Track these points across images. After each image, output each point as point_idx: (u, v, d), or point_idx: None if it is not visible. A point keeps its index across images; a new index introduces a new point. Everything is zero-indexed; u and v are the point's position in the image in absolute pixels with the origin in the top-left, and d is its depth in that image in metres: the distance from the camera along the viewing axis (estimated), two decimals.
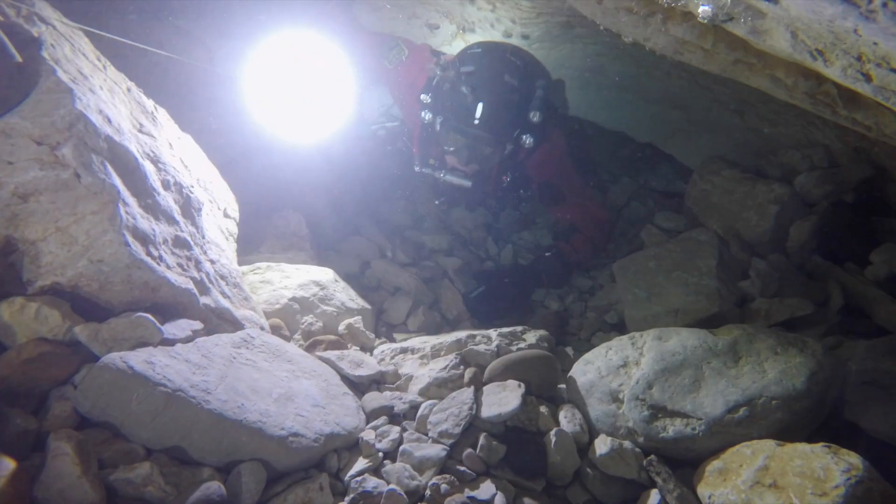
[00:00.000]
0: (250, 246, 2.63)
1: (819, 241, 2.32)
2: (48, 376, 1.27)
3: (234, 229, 2.26)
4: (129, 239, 1.47)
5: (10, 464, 1.05)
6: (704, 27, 1.32)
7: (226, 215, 2.25)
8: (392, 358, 2.03)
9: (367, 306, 2.45)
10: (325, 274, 2.40)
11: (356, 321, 2.22)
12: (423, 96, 2.48)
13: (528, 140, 2.41)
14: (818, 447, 1.34)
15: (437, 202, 3.01)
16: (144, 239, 1.53)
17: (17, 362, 1.24)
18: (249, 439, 1.34)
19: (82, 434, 1.19)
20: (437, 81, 2.50)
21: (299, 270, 2.35)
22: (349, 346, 2.12)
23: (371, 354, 2.10)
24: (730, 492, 1.42)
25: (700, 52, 1.47)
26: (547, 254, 2.73)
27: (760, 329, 1.76)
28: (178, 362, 1.40)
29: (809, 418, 1.53)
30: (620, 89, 3.08)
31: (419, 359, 1.98)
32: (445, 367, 1.84)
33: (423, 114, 2.51)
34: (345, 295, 2.39)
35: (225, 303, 1.82)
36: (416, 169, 2.73)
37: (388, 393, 1.81)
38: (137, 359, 1.32)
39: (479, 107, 2.35)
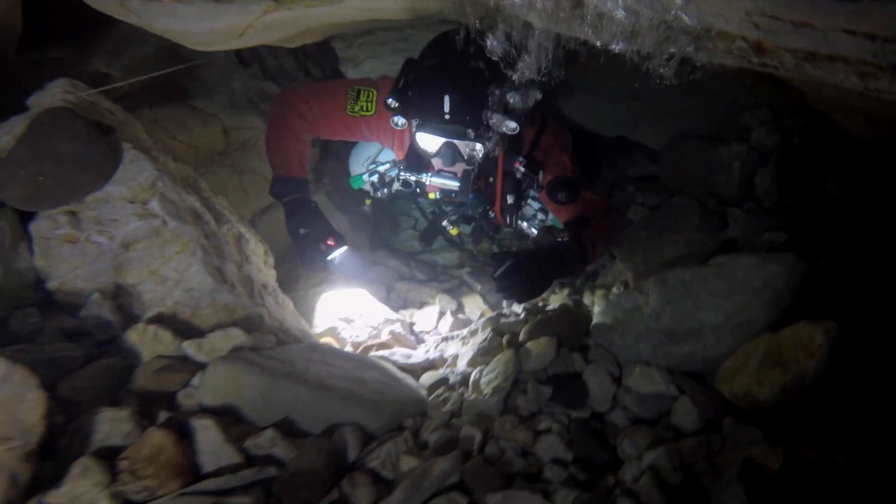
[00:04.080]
0: (285, 286, 2.93)
1: (781, 184, 2.66)
2: (173, 381, 1.55)
3: (273, 271, 2.56)
4: (210, 270, 1.78)
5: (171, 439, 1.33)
6: None
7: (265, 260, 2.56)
8: (436, 347, 2.31)
9: (402, 318, 2.75)
10: (360, 295, 2.70)
11: (396, 328, 2.51)
12: (389, 101, 2.28)
13: (509, 125, 2.22)
14: (802, 323, 1.64)
15: (444, 223, 2.94)
16: (219, 270, 1.84)
17: (149, 373, 1.53)
18: (342, 407, 1.61)
19: None
20: (403, 83, 2.32)
21: (337, 295, 2.66)
22: (394, 347, 2.40)
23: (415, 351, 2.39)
24: (743, 380, 1.70)
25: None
26: (561, 239, 2.45)
27: (742, 254, 2.07)
28: (270, 361, 1.68)
29: (788, 312, 1.83)
30: (581, 91, 3.46)
31: (460, 341, 2.26)
32: (485, 340, 2.13)
33: (393, 120, 2.35)
34: (380, 311, 2.69)
35: (289, 322, 2.12)
36: (403, 176, 2.57)
37: (441, 370, 2.09)
38: (242, 358, 1.61)
39: (446, 100, 2.16)
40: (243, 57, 3.29)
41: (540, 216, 2.70)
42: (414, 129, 2.28)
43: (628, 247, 2.84)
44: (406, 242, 3.70)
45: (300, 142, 2.51)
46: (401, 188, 2.66)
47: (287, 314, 2.21)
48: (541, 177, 2.53)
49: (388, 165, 2.67)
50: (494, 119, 2.22)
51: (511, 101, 2.20)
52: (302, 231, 2.35)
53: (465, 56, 2.14)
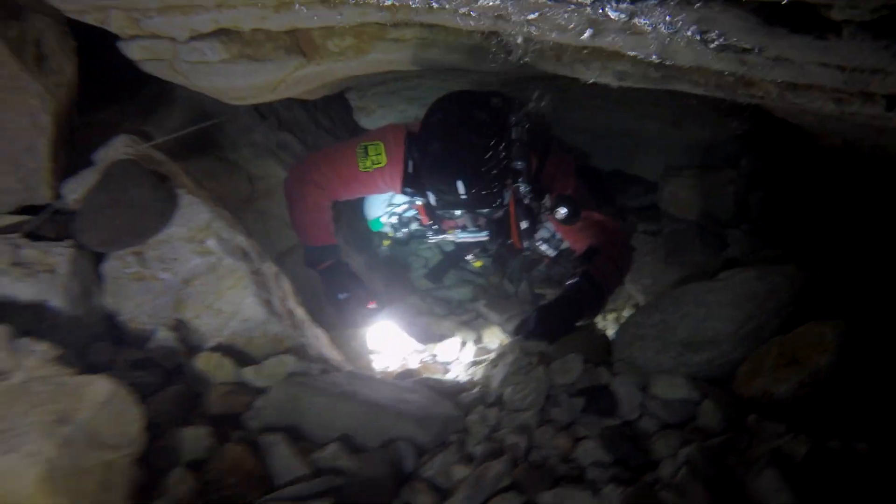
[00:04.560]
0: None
1: (773, 204, 2.87)
2: (238, 404, 1.66)
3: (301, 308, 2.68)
4: (261, 301, 1.92)
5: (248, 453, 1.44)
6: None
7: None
8: (466, 372, 2.43)
9: (427, 349, 2.87)
10: (389, 328, 2.83)
11: (425, 357, 2.63)
12: (406, 190, 2.37)
13: (523, 187, 2.36)
14: (811, 323, 1.80)
15: (469, 256, 2.96)
16: (269, 302, 1.97)
17: (217, 397, 1.64)
18: (394, 423, 1.72)
19: None
20: (413, 169, 2.37)
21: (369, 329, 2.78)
22: (425, 375, 2.52)
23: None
24: (761, 380, 1.84)
25: (640, 77, 2.07)
26: (572, 280, 2.50)
27: (746, 268, 2.24)
28: (324, 383, 1.80)
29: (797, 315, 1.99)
30: (575, 130, 3.70)
31: (490, 364, 2.39)
32: (514, 361, 2.25)
33: (413, 201, 2.46)
34: (407, 342, 2.81)
35: (326, 352, 2.24)
36: (433, 239, 2.68)
37: (474, 391, 2.20)
38: (299, 381, 1.73)
39: (460, 184, 2.18)
40: (261, 111, 3.51)
41: (558, 236, 2.81)
42: (434, 204, 2.31)
43: (636, 272, 3.01)
44: (420, 280, 3.85)
45: (322, 211, 2.63)
46: (419, 227, 2.80)
47: (322, 346, 2.33)
48: (547, 201, 2.56)
49: (405, 206, 2.77)
50: (511, 182, 2.31)
51: (519, 167, 2.32)
52: (341, 296, 2.50)
53: (469, 125, 2.19)
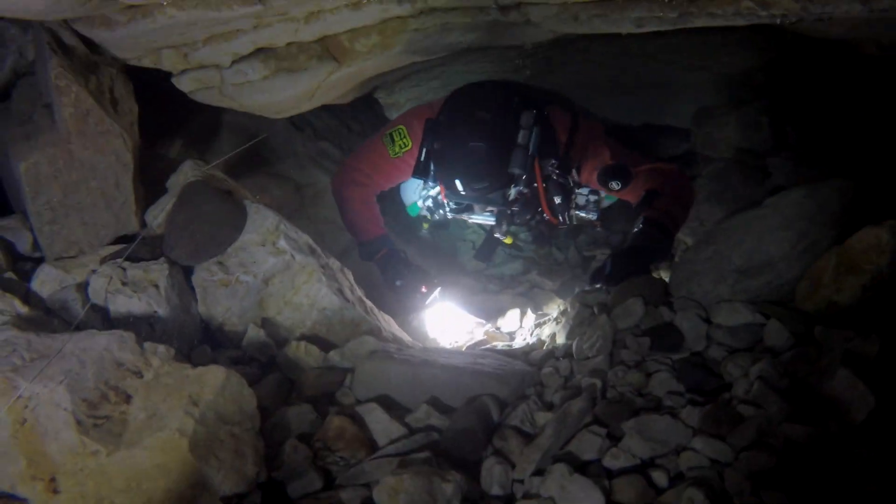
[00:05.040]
0: None
1: (810, 128, 2.86)
2: (330, 383, 1.82)
3: None
4: (334, 291, 2.07)
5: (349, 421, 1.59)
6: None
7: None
8: (531, 333, 2.53)
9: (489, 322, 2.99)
10: (449, 309, 2.96)
11: (489, 327, 2.75)
12: (415, 175, 2.48)
13: (519, 174, 2.38)
14: (865, 229, 1.82)
15: (497, 234, 2.95)
16: (341, 291, 2.12)
17: (310, 380, 1.80)
18: (474, 381, 1.85)
19: None
20: (424, 155, 2.45)
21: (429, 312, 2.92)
22: (492, 344, 2.64)
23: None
24: (822, 292, 1.88)
25: (656, 20, 2.12)
26: (638, 227, 2.47)
27: (792, 189, 2.26)
28: (403, 356, 1.94)
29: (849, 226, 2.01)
30: (599, 91, 3.72)
31: (553, 322, 2.48)
32: (576, 315, 2.35)
33: (426, 186, 2.64)
34: (469, 318, 2.94)
35: (397, 334, 2.38)
36: (450, 216, 2.81)
37: (543, 349, 2.31)
38: (383, 355, 1.87)
39: (457, 183, 2.31)
40: (297, 124, 3.70)
41: (592, 198, 2.85)
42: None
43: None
44: (470, 262, 3.96)
45: (369, 205, 2.78)
46: (454, 207, 2.87)
47: (393, 328, 2.47)
48: (575, 175, 2.67)
49: (438, 189, 2.81)
50: (516, 165, 2.33)
51: (514, 170, 2.33)
52: (398, 283, 2.65)
53: (472, 127, 2.28)
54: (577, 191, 2.85)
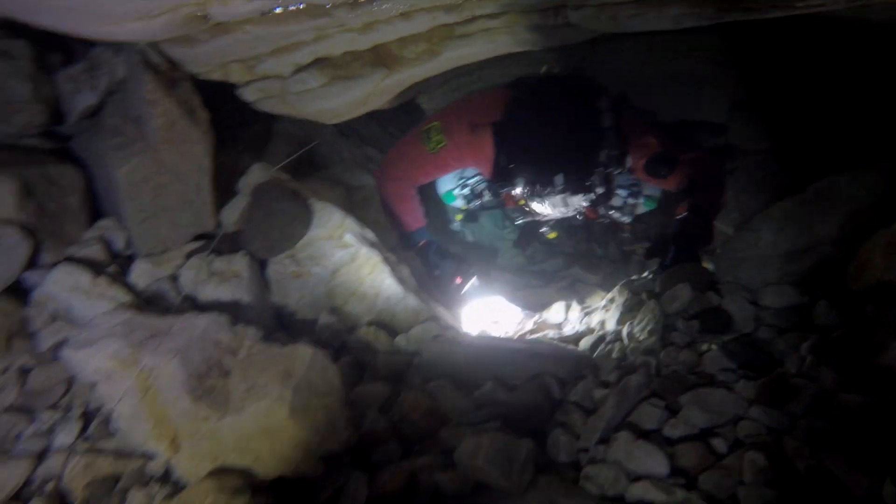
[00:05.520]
0: None
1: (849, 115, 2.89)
2: (399, 364, 1.94)
3: None
4: (397, 281, 2.20)
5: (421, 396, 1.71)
6: None
7: None
8: (581, 321, 2.62)
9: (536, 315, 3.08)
10: (496, 302, 3.07)
11: (538, 317, 2.84)
12: (497, 185, 2.50)
13: (616, 170, 2.44)
14: None
15: (542, 229, 3.17)
16: (402, 282, 2.25)
17: (382, 361, 1.93)
18: (535, 362, 1.95)
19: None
20: (504, 160, 2.45)
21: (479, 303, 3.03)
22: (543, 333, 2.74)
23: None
24: (873, 272, 1.93)
25: (695, 16, 2.22)
26: (682, 216, 2.56)
27: (836, 175, 2.31)
28: (467, 339, 2.06)
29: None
30: (632, 87, 3.78)
31: (602, 310, 2.57)
32: (625, 301, 2.43)
33: (500, 190, 2.58)
34: (517, 310, 3.04)
35: (453, 323, 2.50)
36: (519, 222, 2.88)
37: (594, 335, 2.40)
38: (447, 339, 1.99)
39: (559, 177, 2.31)
40: (343, 131, 3.86)
41: (630, 201, 2.90)
42: (525, 198, 2.47)
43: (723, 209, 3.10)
44: (512, 259, 4.06)
45: (408, 199, 2.89)
46: (491, 197, 2.94)
47: (449, 317, 2.59)
48: (628, 162, 2.63)
49: (477, 178, 2.90)
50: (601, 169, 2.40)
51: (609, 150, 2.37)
52: (436, 273, 2.77)
53: (562, 119, 2.30)
54: (617, 189, 2.89)
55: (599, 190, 2.66)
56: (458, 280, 2.79)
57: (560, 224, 3.20)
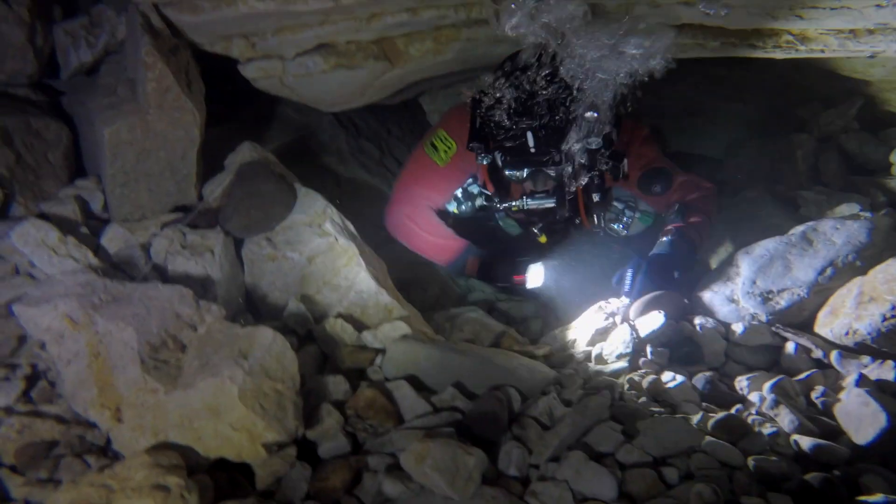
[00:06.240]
0: None
1: (842, 165, 2.91)
2: (363, 359, 1.92)
3: None
4: (371, 275, 2.18)
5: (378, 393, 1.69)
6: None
7: None
8: (553, 338, 2.61)
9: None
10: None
11: (510, 331, 2.83)
12: (472, 146, 2.36)
13: (595, 142, 2.29)
14: (890, 260, 1.88)
15: (535, 230, 2.95)
16: (377, 277, 2.23)
17: (345, 354, 1.91)
18: (499, 373, 1.92)
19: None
20: (480, 124, 2.37)
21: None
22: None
23: None
24: (843, 320, 1.94)
25: (698, 47, 2.22)
26: (667, 238, 2.48)
27: (821, 220, 2.33)
28: (434, 342, 2.04)
29: (876, 258, 2.07)
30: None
31: (575, 329, 2.56)
32: (598, 322, 2.42)
33: (478, 159, 2.43)
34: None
35: (423, 327, 2.48)
36: (501, 206, 2.67)
37: (565, 353, 2.38)
38: (413, 339, 1.97)
39: (529, 136, 2.23)
40: (342, 122, 3.85)
41: (627, 213, 2.88)
42: (500, 164, 2.38)
43: (711, 242, 3.10)
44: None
45: (435, 225, 2.78)
46: (484, 203, 2.87)
47: (420, 321, 2.57)
48: (625, 167, 2.50)
49: (470, 181, 2.79)
50: (582, 142, 2.29)
51: (591, 117, 2.20)
52: (499, 285, 2.71)
53: (538, 82, 2.17)
54: (614, 201, 2.84)
55: (595, 197, 2.59)
56: (517, 279, 2.70)
57: (551, 228, 3.10)
